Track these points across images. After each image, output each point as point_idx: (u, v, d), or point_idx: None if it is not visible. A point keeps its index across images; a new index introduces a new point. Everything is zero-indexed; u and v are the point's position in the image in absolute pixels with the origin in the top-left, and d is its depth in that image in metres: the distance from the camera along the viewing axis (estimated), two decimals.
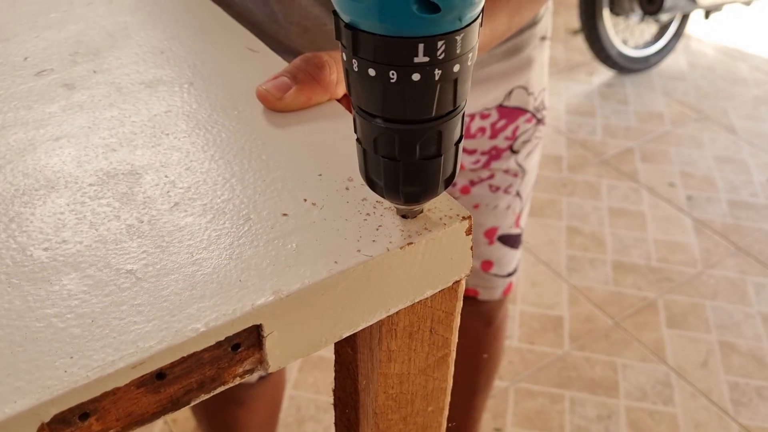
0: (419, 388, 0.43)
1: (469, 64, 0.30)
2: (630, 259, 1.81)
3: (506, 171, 0.83)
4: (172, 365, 0.30)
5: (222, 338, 0.31)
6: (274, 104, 0.44)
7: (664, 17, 2.48)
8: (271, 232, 0.36)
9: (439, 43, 0.28)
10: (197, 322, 0.31)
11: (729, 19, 3.01)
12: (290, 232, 0.36)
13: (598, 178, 2.08)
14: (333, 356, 0.46)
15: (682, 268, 1.79)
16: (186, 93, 0.47)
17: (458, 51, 0.29)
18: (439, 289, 0.38)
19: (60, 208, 0.37)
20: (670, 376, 1.52)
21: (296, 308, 0.33)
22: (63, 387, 0.28)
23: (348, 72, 0.31)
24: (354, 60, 0.30)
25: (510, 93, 0.78)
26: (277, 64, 0.50)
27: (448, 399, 0.46)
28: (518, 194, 0.86)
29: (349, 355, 0.44)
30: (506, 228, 0.89)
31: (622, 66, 2.53)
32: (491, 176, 0.83)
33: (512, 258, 0.92)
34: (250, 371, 0.34)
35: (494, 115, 0.79)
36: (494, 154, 0.82)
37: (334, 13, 0.30)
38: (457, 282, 0.38)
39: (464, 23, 0.28)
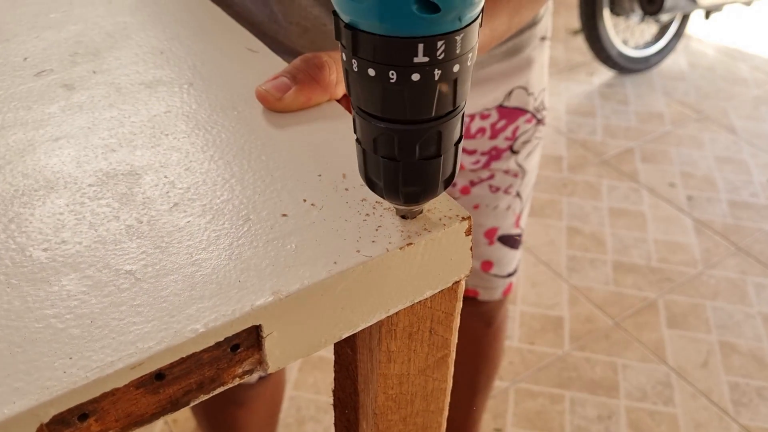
0: (419, 389, 0.43)
1: (468, 64, 0.30)
2: (630, 260, 1.80)
3: (506, 171, 0.83)
4: (172, 366, 0.30)
5: (221, 339, 0.31)
6: (274, 105, 0.44)
7: (664, 17, 2.48)
8: (270, 232, 0.36)
9: (439, 44, 0.28)
10: (196, 323, 0.31)
11: (729, 19, 3.01)
12: (289, 233, 0.36)
13: (598, 179, 2.08)
14: (333, 357, 0.46)
15: (683, 268, 1.79)
16: (186, 93, 0.47)
17: (458, 51, 0.29)
18: (438, 290, 0.38)
19: (59, 209, 0.37)
20: (671, 377, 1.52)
21: (296, 309, 0.33)
22: (62, 388, 0.28)
23: (348, 72, 0.31)
24: (353, 60, 0.30)
25: (510, 93, 0.78)
26: (276, 64, 0.50)
27: (448, 399, 0.45)
28: (518, 194, 0.86)
29: (348, 355, 0.44)
30: (506, 228, 0.88)
31: (623, 66, 2.53)
32: (491, 177, 0.83)
33: (512, 258, 0.92)
34: (250, 372, 0.34)
35: (494, 116, 0.79)
36: (494, 155, 0.82)
37: (334, 13, 0.30)
38: (457, 282, 0.38)
39: (464, 23, 0.28)
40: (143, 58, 0.51)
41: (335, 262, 0.34)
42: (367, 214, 0.37)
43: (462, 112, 0.32)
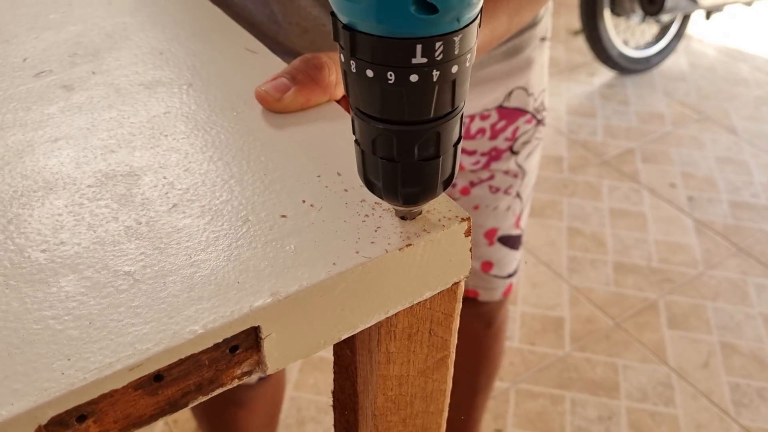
0: (418, 390, 0.43)
1: (467, 65, 0.30)
2: (631, 260, 1.80)
3: (506, 172, 0.83)
4: (170, 367, 0.30)
5: (220, 340, 0.31)
6: (273, 105, 0.44)
7: (665, 18, 2.48)
8: (269, 233, 0.35)
9: (437, 44, 0.28)
10: (195, 324, 0.31)
11: (730, 19, 3.01)
12: (288, 234, 0.35)
13: (598, 179, 2.08)
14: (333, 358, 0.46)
15: (683, 268, 1.78)
16: (185, 94, 0.47)
17: (456, 52, 0.29)
18: (438, 291, 0.38)
19: (58, 210, 0.37)
20: (671, 377, 1.52)
21: (294, 310, 0.33)
22: (60, 389, 0.28)
23: (346, 73, 0.31)
24: (352, 61, 0.30)
25: (510, 94, 0.78)
26: (276, 65, 0.50)
27: (448, 400, 0.45)
28: (518, 195, 0.86)
29: (348, 356, 0.44)
30: (506, 229, 0.88)
31: (623, 66, 2.53)
32: (491, 177, 0.83)
33: (512, 259, 0.92)
34: (248, 373, 0.34)
35: (494, 116, 0.79)
36: (494, 155, 0.82)
37: (332, 14, 0.29)
38: (456, 283, 0.38)
39: (462, 24, 0.28)
40: (142, 59, 0.51)
41: (334, 263, 0.34)
42: (366, 215, 0.37)
43: (461, 113, 0.32)
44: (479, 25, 0.30)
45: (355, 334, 0.36)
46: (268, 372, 0.33)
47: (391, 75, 0.29)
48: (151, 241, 0.35)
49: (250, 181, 0.39)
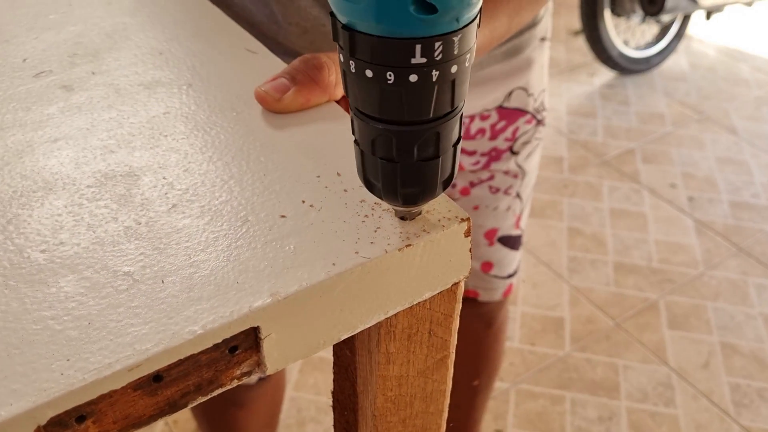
0: (418, 390, 0.43)
1: (466, 65, 0.30)
2: (631, 260, 1.80)
3: (506, 172, 0.83)
4: (169, 368, 0.30)
5: (219, 340, 0.31)
6: (273, 105, 0.44)
7: (665, 18, 2.48)
8: (269, 233, 0.35)
9: (437, 44, 0.28)
10: (194, 325, 0.31)
11: (730, 19, 3.01)
12: (288, 234, 0.35)
13: (599, 179, 2.08)
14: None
15: (684, 269, 1.78)
16: (185, 94, 0.47)
17: (456, 52, 0.29)
18: (437, 291, 0.38)
19: (58, 210, 0.37)
20: (672, 378, 1.52)
21: (294, 310, 0.33)
22: (59, 389, 0.28)
23: (345, 73, 0.31)
24: (351, 61, 0.30)
25: (510, 94, 0.78)
26: (275, 65, 0.50)
27: (448, 401, 0.45)
28: (518, 195, 0.86)
29: (347, 357, 0.44)
30: (506, 229, 0.88)
31: (624, 67, 2.53)
32: (491, 177, 0.83)
33: (512, 259, 0.92)
34: (248, 374, 0.34)
35: (494, 117, 0.79)
36: (494, 156, 0.82)
37: (331, 14, 0.29)
38: (456, 284, 0.38)
39: (462, 24, 0.28)
40: (142, 59, 0.51)
41: (334, 264, 0.34)
42: (366, 216, 0.37)
43: (460, 113, 0.32)
44: (479, 26, 0.30)
45: (354, 335, 0.36)
46: (268, 372, 0.33)
47: (390, 75, 0.29)
48: (150, 241, 0.35)
49: (250, 182, 0.39)
